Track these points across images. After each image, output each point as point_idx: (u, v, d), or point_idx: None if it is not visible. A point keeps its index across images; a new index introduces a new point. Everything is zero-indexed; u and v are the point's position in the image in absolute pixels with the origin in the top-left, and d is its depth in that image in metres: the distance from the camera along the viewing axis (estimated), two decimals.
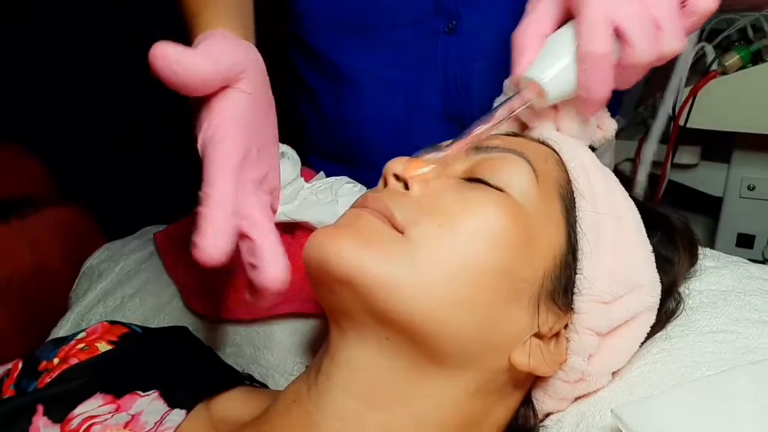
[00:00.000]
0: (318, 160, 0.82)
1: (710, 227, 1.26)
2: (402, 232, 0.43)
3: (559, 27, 0.49)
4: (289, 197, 0.64)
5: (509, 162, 0.46)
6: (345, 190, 0.65)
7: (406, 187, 0.46)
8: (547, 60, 0.47)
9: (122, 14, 1.84)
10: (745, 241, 1.21)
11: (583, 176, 0.48)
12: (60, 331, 0.68)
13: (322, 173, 0.70)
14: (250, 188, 0.45)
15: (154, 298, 0.66)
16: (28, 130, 1.66)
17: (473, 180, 0.46)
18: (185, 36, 0.50)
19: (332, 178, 0.68)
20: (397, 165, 0.46)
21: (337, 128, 0.75)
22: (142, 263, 0.71)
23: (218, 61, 0.43)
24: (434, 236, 0.42)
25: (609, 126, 0.53)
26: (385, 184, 0.47)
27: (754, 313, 0.51)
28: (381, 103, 0.71)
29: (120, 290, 0.69)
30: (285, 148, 0.65)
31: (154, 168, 1.88)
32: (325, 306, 0.47)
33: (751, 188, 1.22)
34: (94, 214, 1.44)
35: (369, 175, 0.72)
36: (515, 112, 0.49)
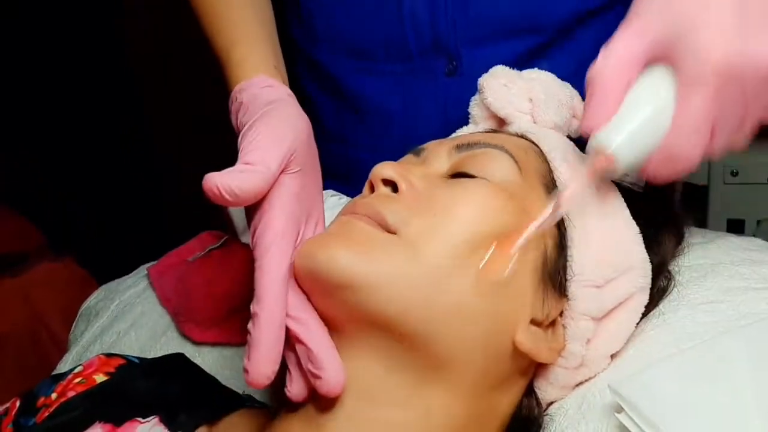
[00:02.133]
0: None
1: (700, 216, 1.27)
2: (395, 233, 0.43)
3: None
4: None
5: (491, 156, 0.47)
6: (330, 202, 0.66)
7: (394, 190, 0.46)
8: (626, 121, 0.40)
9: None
10: (735, 227, 1.22)
11: (564, 165, 0.48)
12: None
13: None
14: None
15: (149, 330, 0.66)
16: (12, 187, 1.66)
17: (458, 175, 0.47)
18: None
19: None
20: (385, 169, 0.46)
21: (335, 145, 0.73)
22: (137, 298, 0.71)
23: (271, 167, 0.43)
24: (430, 228, 0.43)
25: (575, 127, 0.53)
26: (372, 190, 0.47)
27: (742, 281, 0.52)
28: (379, 132, 0.70)
29: (116, 325, 0.69)
30: None
31: (143, 212, 1.89)
32: (322, 315, 0.46)
33: (734, 173, 1.23)
34: (86, 264, 1.45)
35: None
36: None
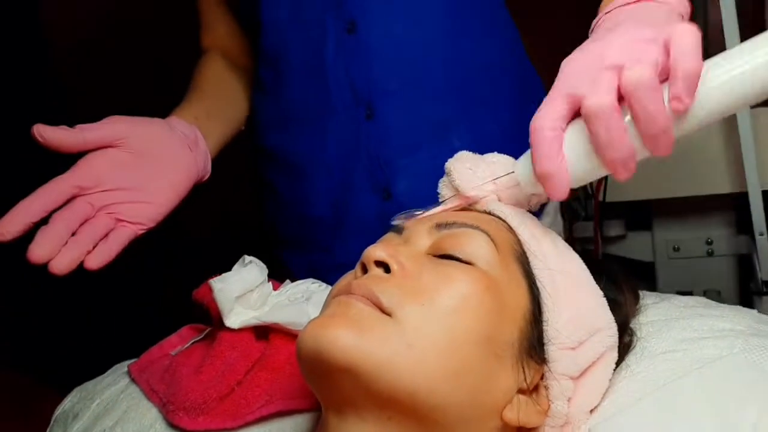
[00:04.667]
0: (287, 251, 0.89)
1: (651, 291, 1.34)
2: (390, 315, 0.46)
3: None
4: (258, 302, 0.67)
5: (471, 236, 0.51)
6: (312, 289, 0.70)
7: (386, 270, 0.49)
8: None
9: None
10: None
11: (532, 239, 0.53)
12: None
13: (287, 281, 0.75)
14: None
15: (136, 424, 0.66)
16: None
17: (444, 256, 0.50)
18: None
19: (299, 282, 0.73)
20: (377, 251, 0.49)
21: (291, 210, 0.86)
22: (120, 394, 0.71)
23: (86, 137, 0.63)
24: (420, 316, 0.46)
25: (541, 191, 0.60)
26: (363, 270, 0.50)
27: (693, 332, 0.57)
28: (321, 183, 0.81)
29: (100, 424, 0.68)
30: (250, 258, 0.70)
31: (102, 318, 1.85)
32: (321, 396, 0.49)
33: (676, 249, 1.33)
34: (44, 370, 1.39)
35: (325, 258, 0.82)
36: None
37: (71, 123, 0.63)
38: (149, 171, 0.66)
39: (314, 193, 0.82)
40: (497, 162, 0.56)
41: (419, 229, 0.54)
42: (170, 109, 0.80)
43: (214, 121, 0.79)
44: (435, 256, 0.51)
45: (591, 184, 1.25)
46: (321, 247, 0.84)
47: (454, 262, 0.50)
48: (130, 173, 0.64)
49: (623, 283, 0.61)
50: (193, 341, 0.74)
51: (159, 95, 0.72)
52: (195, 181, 0.72)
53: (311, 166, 0.81)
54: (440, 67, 0.77)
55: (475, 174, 0.55)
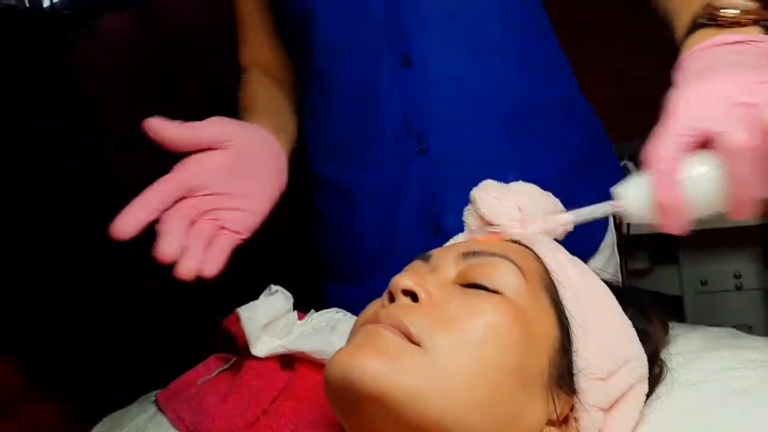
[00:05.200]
0: (331, 284, 0.88)
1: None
2: (419, 344, 0.45)
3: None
4: (284, 330, 0.68)
5: (498, 265, 0.51)
6: (337, 318, 0.70)
7: (414, 299, 0.49)
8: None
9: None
10: None
11: (559, 268, 0.53)
12: None
13: (312, 310, 0.75)
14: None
15: None
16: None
17: (471, 285, 0.50)
18: None
19: (323, 311, 0.73)
20: (404, 280, 0.49)
21: (342, 241, 0.84)
22: (147, 423, 0.72)
23: (200, 134, 0.60)
24: (449, 346, 0.45)
25: (566, 219, 0.60)
26: (391, 299, 0.50)
27: (724, 363, 0.57)
28: (369, 214, 0.79)
29: None
30: (276, 287, 0.71)
31: (127, 349, 1.86)
32: (349, 425, 0.49)
33: (704, 283, 1.31)
34: (72, 402, 1.40)
35: (368, 290, 0.78)
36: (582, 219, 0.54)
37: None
38: (251, 178, 0.63)
39: (362, 224, 0.81)
40: (522, 190, 0.56)
41: (446, 258, 0.54)
42: None
43: (281, 135, 0.74)
44: (462, 285, 0.51)
45: (614, 216, 1.24)
46: (366, 279, 0.82)
47: (481, 291, 0.49)
48: (233, 179, 0.61)
49: (652, 313, 0.61)
50: (219, 371, 0.74)
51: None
52: (282, 193, 0.68)
53: (360, 196, 0.80)
54: (499, 105, 0.76)
55: (501, 203, 0.55)
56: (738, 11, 0.52)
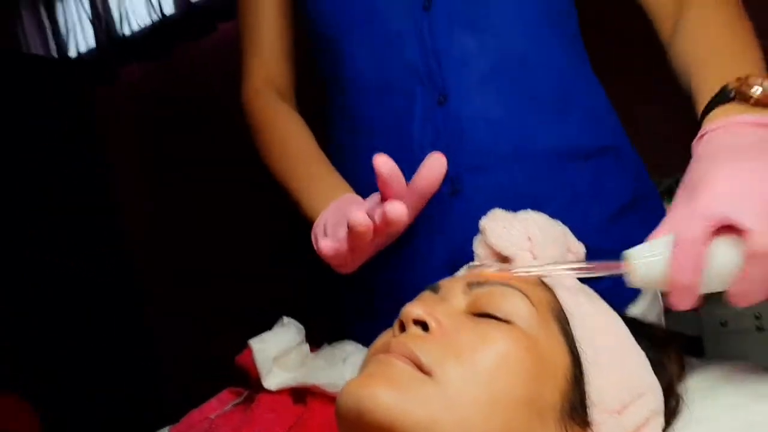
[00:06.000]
0: (350, 320, 0.85)
1: None
2: (429, 374, 0.45)
3: None
4: (295, 363, 0.68)
5: (507, 295, 0.51)
6: (349, 350, 0.70)
7: (424, 328, 0.49)
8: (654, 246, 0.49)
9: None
10: None
11: (570, 298, 0.53)
12: None
13: (325, 344, 0.75)
14: None
15: None
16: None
17: (481, 315, 0.50)
18: None
19: (335, 344, 0.73)
20: (415, 309, 0.49)
21: (363, 277, 0.77)
22: None
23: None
24: (460, 376, 0.45)
25: (579, 249, 0.60)
26: (401, 328, 0.50)
27: (741, 398, 0.55)
28: (397, 255, 0.75)
29: None
30: (288, 319, 0.71)
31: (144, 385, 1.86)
32: None
33: (723, 324, 1.28)
34: None
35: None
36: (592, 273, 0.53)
37: None
38: None
39: (389, 263, 0.77)
40: (530, 219, 0.57)
41: (454, 288, 0.54)
42: None
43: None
44: (473, 314, 0.51)
45: None
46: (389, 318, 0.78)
47: (492, 320, 0.50)
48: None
49: (666, 345, 0.60)
50: (232, 405, 0.74)
51: None
52: None
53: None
54: (536, 150, 0.73)
55: (510, 232, 0.56)
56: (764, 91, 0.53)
